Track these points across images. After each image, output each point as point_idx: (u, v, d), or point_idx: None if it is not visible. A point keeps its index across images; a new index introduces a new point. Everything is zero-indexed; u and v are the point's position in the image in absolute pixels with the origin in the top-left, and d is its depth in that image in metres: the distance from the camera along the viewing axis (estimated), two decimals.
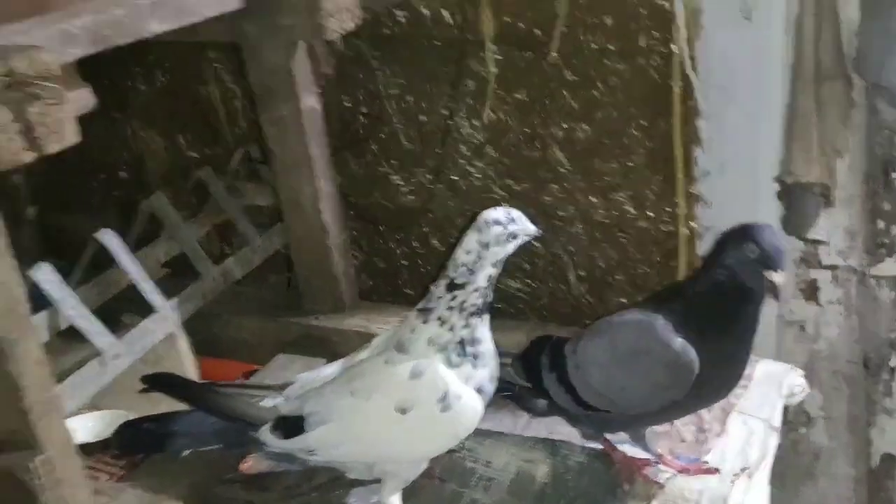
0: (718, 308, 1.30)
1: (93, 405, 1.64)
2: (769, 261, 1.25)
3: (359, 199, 2.08)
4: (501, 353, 1.46)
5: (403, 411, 1.29)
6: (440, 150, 1.99)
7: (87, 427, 1.58)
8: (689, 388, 1.29)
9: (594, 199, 1.91)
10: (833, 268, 1.78)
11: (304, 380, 1.40)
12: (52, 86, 1.07)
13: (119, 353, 1.56)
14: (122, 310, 1.73)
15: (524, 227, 1.30)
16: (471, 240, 1.29)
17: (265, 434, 1.36)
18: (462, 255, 1.29)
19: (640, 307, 1.38)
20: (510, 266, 1.98)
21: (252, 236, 1.90)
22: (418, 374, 1.30)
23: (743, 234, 1.28)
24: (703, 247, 1.86)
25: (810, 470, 1.92)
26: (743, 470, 1.45)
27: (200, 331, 1.78)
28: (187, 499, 1.35)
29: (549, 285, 2.00)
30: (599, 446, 1.47)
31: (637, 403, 1.35)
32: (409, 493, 1.45)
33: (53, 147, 1.08)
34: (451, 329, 1.30)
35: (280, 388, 1.41)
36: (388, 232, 2.10)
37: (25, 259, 1.94)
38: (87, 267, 1.72)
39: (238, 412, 1.37)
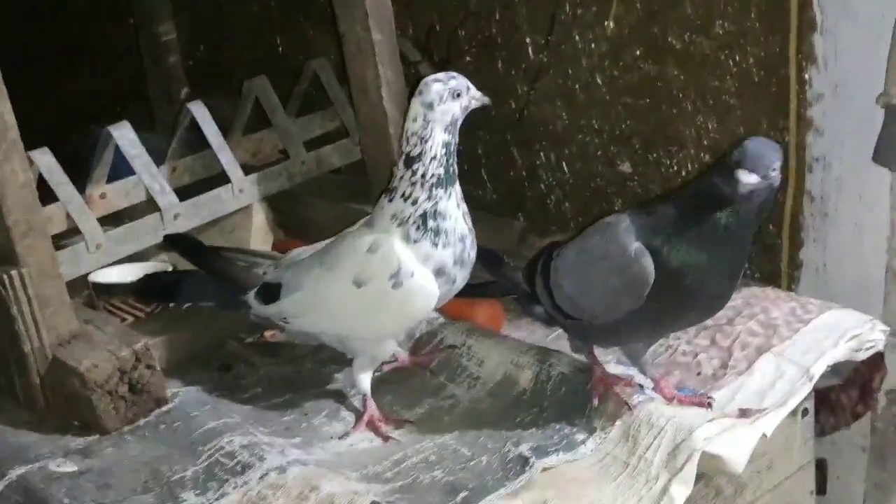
0: (695, 215, 1.17)
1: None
2: (742, 160, 1.12)
3: None
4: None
5: (359, 285, 1.29)
6: (563, 62, 1.92)
7: (132, 273, 1.67)
8: (644, 297, 1.18)
9: (708, 122, 1.77)
10: None
11: (297, 252, 1.43)
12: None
13: (179, 214, 1.64)
14: None
15: (465, 84, 1.25)
16: (415, 104, 1.25)
17: (251, 298, 1.40)
18: (410, 123, 1.25)
19: (632, 209, 1.27)
20: (624, 188, 1.91)
21: (354, 129, 1.92)
22: (375, 249, 1.28)
23: (737, 143, 1.16)
24: (814, 180, 1.67)
25: None
26: (743, 411, 1.30)
27: (286, 209, 1.86)
28: (190, 345, 1.44)
29: None
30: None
31: (598, 310, 1.25)
32: (399, 379, 1.46)
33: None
34: (414, 203, 1.27)
35: (279, 258, 1.45)
36: (513, 142, 2.06)
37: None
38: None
39: (232, 276, 1.43)
